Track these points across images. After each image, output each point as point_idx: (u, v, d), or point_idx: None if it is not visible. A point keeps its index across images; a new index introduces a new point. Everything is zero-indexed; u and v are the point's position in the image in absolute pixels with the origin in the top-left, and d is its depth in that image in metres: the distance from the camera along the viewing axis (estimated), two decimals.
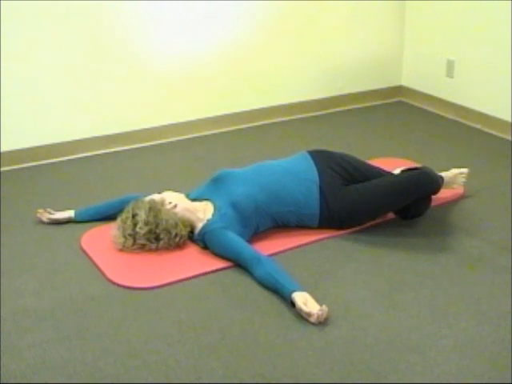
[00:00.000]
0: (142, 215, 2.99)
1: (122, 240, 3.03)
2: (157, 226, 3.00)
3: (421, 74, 5.14)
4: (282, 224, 3.18)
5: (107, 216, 3.30)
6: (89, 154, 4.31)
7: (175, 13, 4.34)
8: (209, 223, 3.03)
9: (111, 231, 3.09)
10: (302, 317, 2.58)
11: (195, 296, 2.76)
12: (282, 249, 3.08)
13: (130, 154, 4.33)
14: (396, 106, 5.19)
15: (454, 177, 3.54)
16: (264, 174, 3.17)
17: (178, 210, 3.07)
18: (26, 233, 3.32)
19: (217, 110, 4.68)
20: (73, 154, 4.28)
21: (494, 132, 4.53)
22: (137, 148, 4.42)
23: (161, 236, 3.01)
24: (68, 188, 3.83)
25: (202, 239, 3.05)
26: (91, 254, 3.07)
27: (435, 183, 3.28)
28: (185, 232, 3.06)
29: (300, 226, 3.20)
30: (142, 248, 3.05)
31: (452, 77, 4.83)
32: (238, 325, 2.57)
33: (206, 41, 4.50)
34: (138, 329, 2.56)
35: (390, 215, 3.32)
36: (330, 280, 2.86)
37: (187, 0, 4.35)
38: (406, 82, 5.29)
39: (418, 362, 2.34)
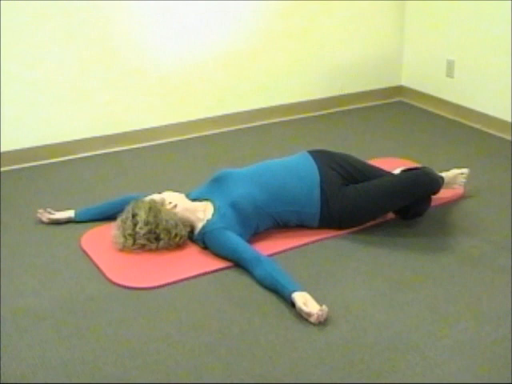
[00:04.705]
0: (141, 215, 2.99)
1: (122, 240, 3.04)
2: (157, 225, 3.00)
3: (421, 74, 5.14)
4: (282, 224, 3.18)
5: (107, 216, 3.30)
6: (89, 153, 4.31)
7: (175, 13, 4.34)
8: (209, 223, 3.03)
9: (111, 231, 3.10)
10: (302, 317, 2.58)
11: (195, 296, 2.76)
12: (281, 249, 3.08)
13: (130, 154, 4.33)
14: (396, 106, 5.19)
15: (455, 177, 3.54)
16: (264, 174, 3.17)
17: (178, 209, 3.07)
18: (26, 233, 3.32)
19: (217, 109, 4.68)
20: (73, 154, 4.28)
21: (493, 132, 4.53)
22: (137, 148, 4.42)
23: (161, 236, 3.01)
24: (68, 188, 3.83)
25: (201, 239, 3.05)
26: (91, 254, 3.07)
27: (435, 183, 3.28)
28: (185, 232, 3.07)
29: (300, 225, 3.20)
30: (142, 248, 3.05)
31: (452, 77, 4.83)
32: (237, 325, 2.57)
33: (207, 41, 4.50)
34: (138, 329, 2.56)
35: (390, 215, 3.32)
36: (330, 280, 2.86)
37: (187, 0, 4.36)
38: (406, 82, 5.29)
39: (418, 362, 2.34)
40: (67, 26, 4.06)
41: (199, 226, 3.07)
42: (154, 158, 4.27)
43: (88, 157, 4.29)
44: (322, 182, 3.15)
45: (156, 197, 3.13)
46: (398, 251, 3.07)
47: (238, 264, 2.91)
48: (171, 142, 4.52)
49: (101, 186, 3.85)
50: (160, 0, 4.27)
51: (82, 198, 3.65)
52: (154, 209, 3.02)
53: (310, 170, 3.19)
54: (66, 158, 4.26)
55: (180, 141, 4.54)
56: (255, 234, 3.11)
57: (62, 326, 2.58)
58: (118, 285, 2.84)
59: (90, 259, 3.05)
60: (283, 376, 2.30)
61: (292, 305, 2.62)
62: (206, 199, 3.16)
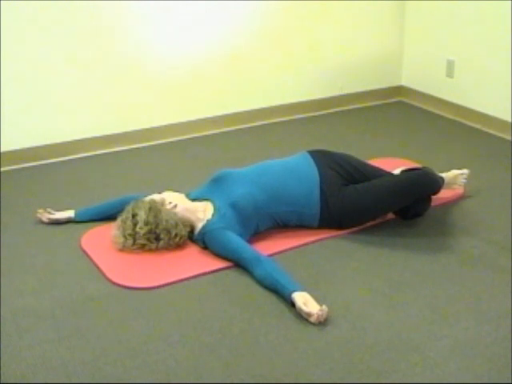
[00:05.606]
0: (141, 215, 2.99)
1: (122, 240, 3.03)
2: (157, 225, 3.00)
3: (421, 74, 5.14)
4: (282, 224, 3.17)
5: (107, 216, 3.30)
6: (89, 154, 4.31)
7: (175, 13, 4.34)
8: (209, 223, 3.03)
9: (111, 231, 3.09)
10: (302, 317, 2.58)
11: (195, 296, 2.76)
12: (281, 249, 3.08)
13: (130, 154, 4.33)
14: (396, 106, 5.19)
15: (455, 177, 3.54)
16: (264, 174, 3.17)
17: (178, 210, 3.07)
18: (26, 233, 3.32)
19: (217, 109, 4.68)
20: (73, 154, 4.28)
21: (493, 132, 4.53)
22: (137, 148, 4.42)
23: (161, 236, 3.01)
24: (68, 188, 3.83)
25: (201, 239, 3.05)
26: (91, 254, 3.07)
27: (435, 184, 3.28)
28: (185, 232, 3.06)
29: (300, 225, 3.20)
30: (142, 248, 3.05)
31: (452, 77, 4.83)
32: (237, 325, 2.57)
33: (206, 41, 4.50)
34: (138, 329, 2.56)
35: (390, 215, 3.32)
36: (329, 280, 2.86)
37: (187, 0, 4.36)
38: (406, 81, 5.29)
39: (418, 362, 2.34)
40: (67, 27, 4.06)
41: (199, 226, 3.07)
42: (154, 158, 4.27)
43: (88, 157, 4.29)
44: (321, 182, 3.15)
45: (156, 197, 3.13)
46: (398, 251, 3.07)
47: (238, 264, 2.91)
48: (171, 141, 4.52)
49: (101, 186, 3.85)
50: (160, 0, 4.27)
51: (82, 198, 3.65)
52: (154, 209, 3.02)
53: (310, 171, 3.18)
54: (66, 157, 4.25)
55: (180, 141, 4.54)
56: (255, 234, 3.11)
57: (61, 326, 2.58)
58: (118, 285, 2.84)
59: (90, 259, 3.05)
60: (283, 376, 2.30)
61: (292, 305, 2.62)
62: (206, 199, 3.16)
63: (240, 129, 4.73)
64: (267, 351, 2.42)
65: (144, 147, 4.43)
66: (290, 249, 3.09)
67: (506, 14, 4.31)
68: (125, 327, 2.57)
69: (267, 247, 3.05)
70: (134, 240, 3.02)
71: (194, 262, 3.00)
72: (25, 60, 4.01)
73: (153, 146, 4.46)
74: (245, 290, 2.79)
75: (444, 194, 3.47)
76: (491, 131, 4.54)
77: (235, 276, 2.88)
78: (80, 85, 4.20)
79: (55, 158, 4.23)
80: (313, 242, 3.14)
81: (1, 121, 4.03)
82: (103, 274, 2.92)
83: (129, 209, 3.05)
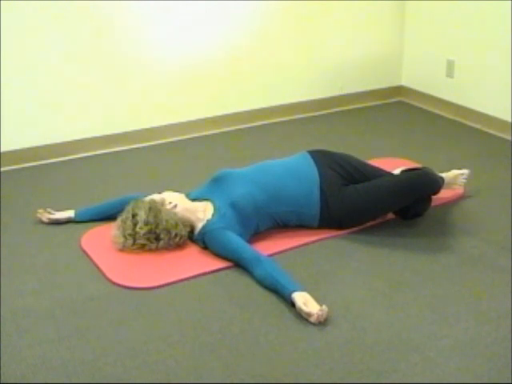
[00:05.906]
0: (141, 215, 2.99)
1: (122, 240, 3.03)
2: (157, 225, 3.00)
3: (421, 74, 5.14)
4: (282, 224, 3.17)
5: (107, 216, 3.30)
6: (89, 154, 4.31)
7: (175, 13, 4.34)
8: (209, 223, 3.03)
9: (111, 231, 3.09)
10: (302, 317, 2.58)
11: (195, 296, 2.76)
12: (281, 249, 3.08)
13: (130, 154, 4.33)
14: (396, 106, 5.19)
15: (455, 177, 3.54)
16: (264, 174, 3.17)
17: (178, 210, 3.07)
18: (26, 233, 3.32)
19: (217, 109, 4.68)
20: (73, 154, 4.28)
21: (493, 132, 4.53)
22: (137, 148, 4.42)
23: (161, 236, 3.01)
24: (68, 188, 3.83)
25: (201, 239, 3.05)
26: (91, 254, 3.07)
27: (435, 184, 3.28)
28: (185, 232, 3.06)
29: (300, 225, 3.20)
30: (142, 248, 3.05)
31: (452, 77, 4.83)
32: (237, 325, 2.57)
33: (206, 41, 4.50)
34: (138, 329, 2.56)
35: (390, 215, 3.32)
36: (330, 280, 2.86)
37: (187, 0, 4.36)
38: (406, 81, 5.29)
39: (418, 362, 2.34)
40: (67, 26, 4.06)
41: (199, 226, 3.07)
42: (154, 157, 4.27)
43: (88, 157, 4.29)
44: (321, 182, 3.15)
45: (156, 197, 3.13)
46: (398, 251, 3.07)
47: (238, 264, 2.91)
48: (171, 141, 4.52)
49: (101, 186, 3.85)
50: (160, 0, 4.27)
51: (82, 198, 3.65)
52: (154, 209, 3.02)
53: (310, 171, 3.18)
54: (66, 158, 4.25)
55: (180, 141, 4.54)
56: (255, 234, 3.11)
57: (62, 326, 2.58)
58: (118, 285, 2.84)
59: (90, 259, 3.05)
60: (283, 376, 2.30)
61: (292, 305, 2.62)
62: (206, 199, 3.16)
63: (240, 129, 4.73)
64: (267, 351, 2.42)
65: (144, 147, 4.43)
66: (290, 249, 3.09)
67: (506, 14, 4.31)
68: (125, 327, 2.57)
69: (267, 247, 3.05)
70: (134, 240, 3.02)
71: (194, 262, 3.00)
72: (25, 60, 4.01)
73: (153, 145, 4.46)
74: (245, 290, 2.79)
75: (444, 194, 3.47)
76: (491, 131, 4.54)
77: (235, 276, 2.88)
78: (80, 85, 4.20)
79: (55, 158, 4.23)
80: (313, 242, 3.14)
81: (1, 121, 4.03)
82: (103, 274, 2.92)
83: (129, 209, 3.05)
